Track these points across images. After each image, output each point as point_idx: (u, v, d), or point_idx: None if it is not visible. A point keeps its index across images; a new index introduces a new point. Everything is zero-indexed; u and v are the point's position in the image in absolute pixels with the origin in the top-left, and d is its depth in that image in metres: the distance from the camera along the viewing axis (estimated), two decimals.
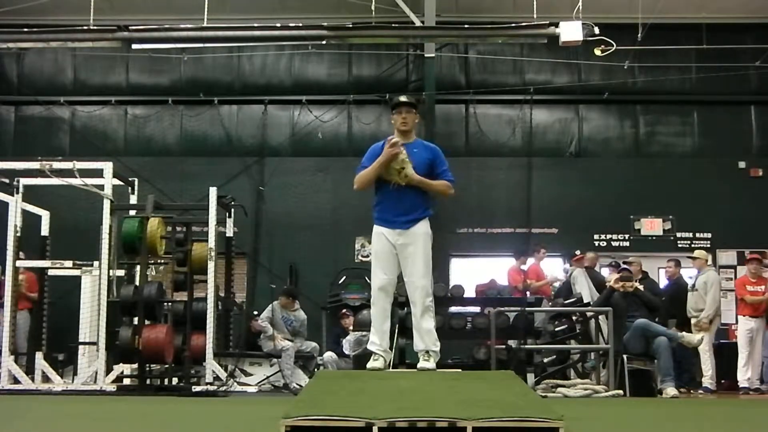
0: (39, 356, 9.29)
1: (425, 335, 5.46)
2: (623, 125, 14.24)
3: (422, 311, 5.41)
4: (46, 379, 9.25)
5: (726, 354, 10.64)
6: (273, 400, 7.50)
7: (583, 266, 11.11)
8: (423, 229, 5.39)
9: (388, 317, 5.51)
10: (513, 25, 10.57)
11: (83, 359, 9.67)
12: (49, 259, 9.78)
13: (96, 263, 9.23)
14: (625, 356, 8.87)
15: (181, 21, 11.78)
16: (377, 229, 5.45)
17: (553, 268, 12.65)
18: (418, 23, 12.83)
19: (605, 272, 11.45)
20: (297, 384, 9.68)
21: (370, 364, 5.39)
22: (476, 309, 10.35)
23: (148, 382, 8.76)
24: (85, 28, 10.62)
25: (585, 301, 10.28)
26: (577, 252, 11.36)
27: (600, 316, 9.68)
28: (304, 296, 11.96)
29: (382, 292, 5.44)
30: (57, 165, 9.12)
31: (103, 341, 8.79)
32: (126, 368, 9.24)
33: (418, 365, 5.40)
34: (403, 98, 5.56)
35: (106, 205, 9.06)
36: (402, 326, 8.50)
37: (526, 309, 9.79)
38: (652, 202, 13.49)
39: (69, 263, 9.54)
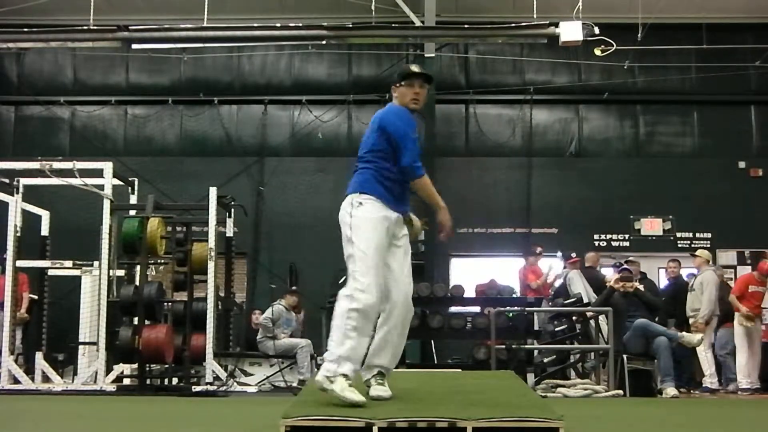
0: (39, 356, 9.29)
1: None
2: (623, 125, 14.23)
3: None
4: (46, 379, 9.25)
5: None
6: (273, 400, 7.50)
7: (578, 268, 11.11)
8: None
9: None
10: (513, 25, 10.57)
11: (83, 359, 9.67)
12: (49, 259, 9.79)
13: (96, 263, 9.24)
14: (625, 356, 8.86)
15: (181, 21, 11.78)
16: None
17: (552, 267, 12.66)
18: (418, 23, 12.82)
19: (607, 272, 11.43)
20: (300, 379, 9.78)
21: None
22: (476, 309, 10.35)
23: (148, 382, 8.76)
24: (85, 28, 10.62)
25: (585, 301, 10.28)
26: (573, 254, 11.35)
27: (600, 316, 9.68)
28: (304, 296, 11.95)
29: None
30: (57, 165, 9.13)
31: (103, 341, 8.80)
32: (126, 368, 9.25)
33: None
34: (416, 68, 4.49)
35: (106, 205, 9.06)
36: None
37: (526, 309, 9.80)
38: (652, 202, 13.48)
39: (69, 263, 9.56)
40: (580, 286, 10.62)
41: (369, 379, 4.26)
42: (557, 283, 11.79)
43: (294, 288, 11.11)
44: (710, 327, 10.18)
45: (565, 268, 11.42)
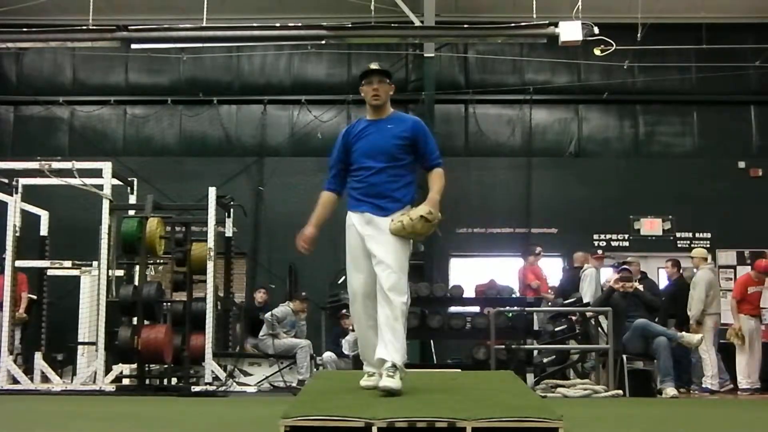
0: (38, 356, 9.29)
1: None
2: (623, 125, 14.22)
3: None
4: (45, 379, 9.24)
5: (725, 354, 10.57)
6: (273, 400, 7.49)
7: (599, 266, 11.05)
8: None
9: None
10: (513, 25, 10.56)
11: (82, 359, 9.67)
12: (48, 259, 9.79)
13: (95, 263, 9.23)
14: (625, 356, 8.86)
15: (180, 21, 11.78)
16: None
17: (552, 268, 12.67)
18: (417, 23, 12.81)
19: (606, 272, 11.41)
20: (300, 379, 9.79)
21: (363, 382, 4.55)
22: (476, 309, 10.35)
23: (147, 382, 8.76)
24: (85, 28, 10.62)
25: (585, 301, 10.27)
26: (599, 251, 11.38)
27: (600, 316, 9.67)
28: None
29: None
30: (56, 165, 9.13)
31: (103, 341, 8.79)
32: (125, 368, 9.24)
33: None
34: (373, 65, 4.71)
35: (106, 205, 9.06)
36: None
37: (526, 309, 9.79)
38: (652, 202, 13.47)
39: (68, 263, 9.55)
40: (591, 284, 10.54)
41: (381, 371, 4.28)
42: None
43: (304, 294, 11.16)
44: (708, 326, 10.13)
45: (583, 263, 11.36)
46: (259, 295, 11.91)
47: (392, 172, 4.57)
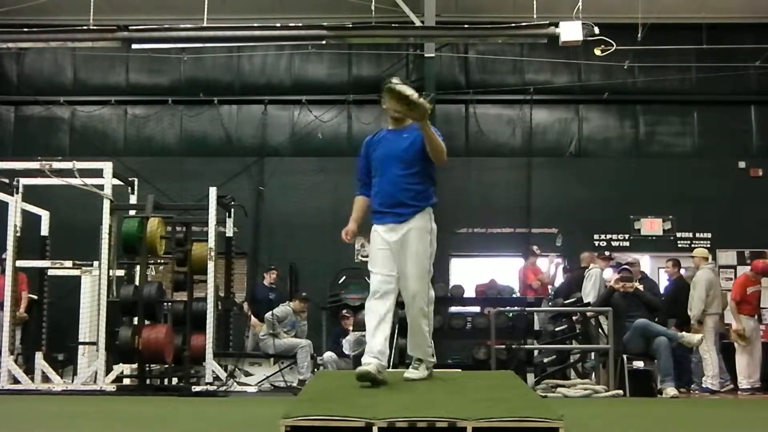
0: (39, 356, 9.30)
1: None
2: (623, 125, 14.22)
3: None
4: (45, 379, 9.25)
5: (726, 354, 10.57)
6: (273, 400, 7.50)
7: (606, 267, 11.07)
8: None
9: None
10: (513, 25, 10.56)
11: (83, 359, 9.68)
12: (49, 259, 9.79)
13: (96, 263, 9.24)
14: (625, 356, 8.86)
15: (180, 21, 11.77)
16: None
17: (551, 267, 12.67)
18: (418, 23, 12.81)
19: (607, 272, 11.43)
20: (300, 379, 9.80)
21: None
22: (476, 309, 10.36)
23: (148, 382, 8.77)
24: (85, 28, 10.62)
25: (587, 301, 10.27)
26: (606, 252, 11.41)
27: (600, 316, 9.68)
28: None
29: None
30: (57, 165, 9.14)
31: (103, 341, 8.80)
32: (126, 368, 9.25)
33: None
34: (395, 80, 4.87)
35: (106, 205, 9.07)
36: (402, 326, 8.50)
37: (526, 309, 9.80)
38: (652, 202, 13.47)
39: (69, 263, 9.56)
40: (595, 285, 10.51)
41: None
42: (557, 282, 11.81)
43: (305, 294, 11.18)
44: (709, 326, 10.13)
45: (589, 263, 11.35)
46: (270, 276, 11.89)
47: (408, 179, 4.80)
